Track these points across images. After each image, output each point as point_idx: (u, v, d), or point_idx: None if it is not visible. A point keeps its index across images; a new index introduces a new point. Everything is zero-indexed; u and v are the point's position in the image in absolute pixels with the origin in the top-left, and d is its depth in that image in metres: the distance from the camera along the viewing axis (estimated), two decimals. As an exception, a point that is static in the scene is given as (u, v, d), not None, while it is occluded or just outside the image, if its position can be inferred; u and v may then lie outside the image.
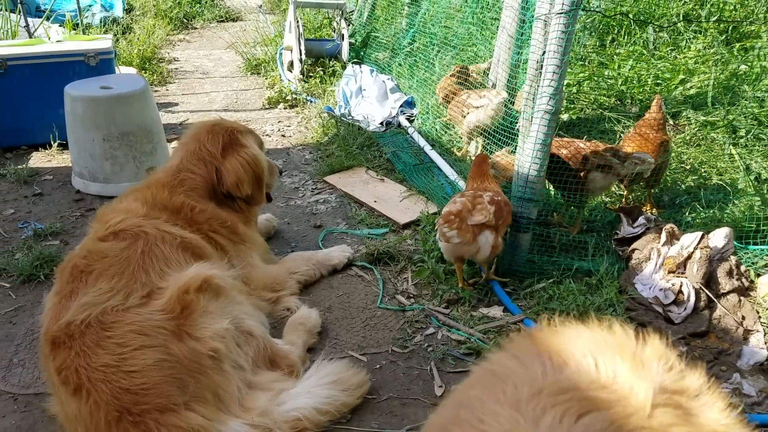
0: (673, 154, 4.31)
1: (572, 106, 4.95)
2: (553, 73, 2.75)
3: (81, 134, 4.12)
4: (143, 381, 2.05)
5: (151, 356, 2.09)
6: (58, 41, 5.38)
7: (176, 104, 6.34)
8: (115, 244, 2.47)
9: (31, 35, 5.98)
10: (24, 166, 4.67)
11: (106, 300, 2.23)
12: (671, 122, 4.88)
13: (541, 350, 1.02)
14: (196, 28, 10.01)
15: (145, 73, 6.97)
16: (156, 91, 6.71)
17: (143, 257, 2.43)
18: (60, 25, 6.69)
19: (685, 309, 2.83)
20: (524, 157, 2.94)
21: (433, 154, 4.36)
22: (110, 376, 2.06)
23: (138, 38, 7.86)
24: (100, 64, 5.01)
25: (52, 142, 4.94)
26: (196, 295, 2.28)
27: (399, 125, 5.21)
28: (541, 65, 2.83)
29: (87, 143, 4.11)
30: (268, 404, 2.24)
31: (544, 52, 2.79)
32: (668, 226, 3.15)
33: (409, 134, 4.96)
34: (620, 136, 3.89)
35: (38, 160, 4.86)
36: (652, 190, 3.66)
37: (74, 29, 6.85)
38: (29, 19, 6.26)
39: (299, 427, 2.21)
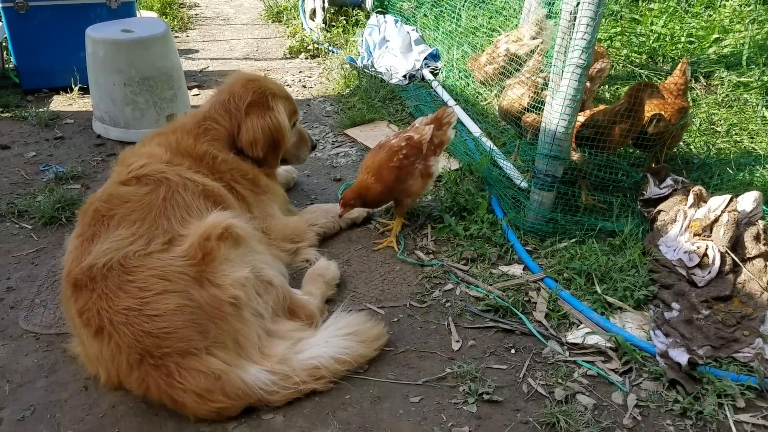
0: (703, 116, 4.21)
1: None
2: (587, 25, 2.64)
3: (102, 78, 4.09)
4: (165, 325, 2.07)
5: (173, 301, 2.10)
6: (79, -17, 5.30)
7: (196, 51, 6.27)
8: (137, 189, 2.47)
9: (52, -24, 5.88)
10: (45, 109, 4.67)
11: (128, 245, 2.24)
12: (703, 82, 4.74)
13: None
14: (217, -27, 9.83)
15: (166, 18, 6.88)
16: (176, 37, 6.63)
17: (165, 204, 2.43)
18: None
19: (710, 272, 2.78)
20: (552, 114, 2.86)
21: (457, 110, 4.28)
22: (132, 320, 2.08)
23: (159, -18, 7.73)
24: (122, 8, 4.95)
25: (73, 86, 4.93)
26: (216, 242, 2.27)
27: (422, 78, 5.11)
28: (575, 17, 2.72)
29: (108, 87, 4.08)
30: (287, 352, 2.25)
31: (578, 3, 2.68)
32: (696, 188, 3.08)
33: (432, 88, 4.86)
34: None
35: (59, 103, 4.86)
36: (663, 154, 3.55)
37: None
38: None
39: (317, 375, 2.22)
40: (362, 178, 3.04)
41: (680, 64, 3.43)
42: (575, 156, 3.15)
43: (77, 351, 2.33)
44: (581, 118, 3.19)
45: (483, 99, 4.41)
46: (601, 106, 3.31)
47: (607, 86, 4.55)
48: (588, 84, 3.36)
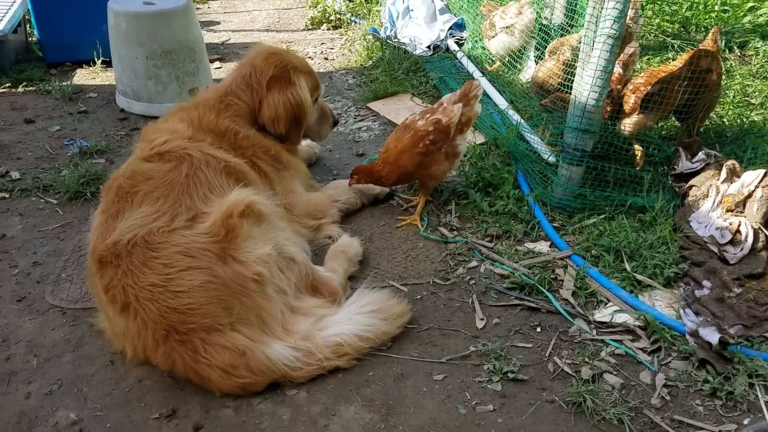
0: (737, 87, 4.07)
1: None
2: (620, -6, 2.55)
3: (125, 51, 4.07)
4: (190, 301, 2.08)
5: (197, 277, 2.10)
6: (99, -45, 5.26)
7: (218, 23, 6.22)
8: (159, 166, 2.46)
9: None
10: (69, 82, 4.68)
11: (152, 221, 2.24)
12: (738, 52, 4.58)
13: None
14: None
15: (187, -11, 6.82)
16: (198, 8, 6.58)
17: (187, 181, 2.42)
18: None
19: (742, 249, 2.71)
20: (583, 85, 2.78)
21: (483, 81, 4.18)
22: (157, 296, 2.08)
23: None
24: (143, -20, 4.89)
25: (96, 59, 4.92)
26: (239, 219, 2.26)
27: (447, 49, 5.00)
28: (607, -15, 2.62)
29: (131, 61, 4.07)
30: (310, 328, 2.25)
31: (610, -29, 2.58)
32: (729, 162, 3.00)
33: (457, 59, 4.76)
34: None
35: (82, 77, 4.86)
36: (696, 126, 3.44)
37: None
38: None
39: (340, 352, 2.22)
40: (380, 160, 2.99)
41: (711, 32, 3.32)
42: (634, 119, 3.06)
43: (103, 326, 2.35)
44: (640, 80, 3.11)
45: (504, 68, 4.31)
46: (662, 68, 3.22)
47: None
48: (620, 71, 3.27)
